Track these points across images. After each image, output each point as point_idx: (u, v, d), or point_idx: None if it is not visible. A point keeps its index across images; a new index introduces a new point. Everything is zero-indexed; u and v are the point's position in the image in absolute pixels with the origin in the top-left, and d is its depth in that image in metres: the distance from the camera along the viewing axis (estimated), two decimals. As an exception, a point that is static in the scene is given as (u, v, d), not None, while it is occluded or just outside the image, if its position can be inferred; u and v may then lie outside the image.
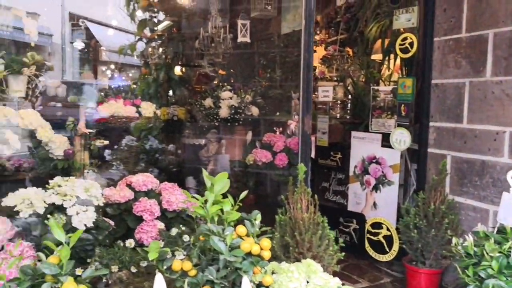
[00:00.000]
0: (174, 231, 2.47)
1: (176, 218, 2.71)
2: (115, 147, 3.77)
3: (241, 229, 1.66)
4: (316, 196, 2.33)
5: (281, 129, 4.55)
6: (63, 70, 12.22)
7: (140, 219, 2.57)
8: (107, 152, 3.74)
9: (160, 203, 2.68)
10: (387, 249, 3.23)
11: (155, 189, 2.81)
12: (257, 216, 1.83)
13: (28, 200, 2.06)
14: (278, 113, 4.92)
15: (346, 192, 3.72)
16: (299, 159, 2.73)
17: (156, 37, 5.06)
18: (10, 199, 2.10)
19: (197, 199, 1.70)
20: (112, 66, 14.20)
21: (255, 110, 5.26)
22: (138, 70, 14.97)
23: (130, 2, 4.75)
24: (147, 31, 4.92)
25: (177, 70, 6.94)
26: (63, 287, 1.27)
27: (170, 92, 6.12)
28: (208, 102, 5.33)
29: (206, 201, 1.73)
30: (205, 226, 1.63)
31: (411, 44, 3.06)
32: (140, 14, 5.76)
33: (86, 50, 12.62)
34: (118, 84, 13.96)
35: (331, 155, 3.87)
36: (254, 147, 4.61)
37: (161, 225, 2.51)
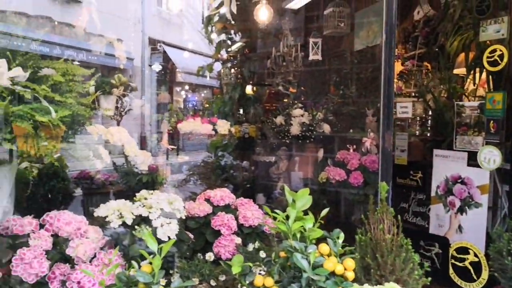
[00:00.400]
0: (251, 247, 2.49)
1: (251, 233, 2.73)
2: (192, 162, 3.92)
3: (324, 248, 1.63)
4: (398, 216, 2.22)
5: (354, 146, 4.44)
6: (142, 91, 13.04)
7: (218, 233, 2.62)
8: (184, 167, 3.89)
9: (236, 218, 2.72)
10: (475, 277, 2.97)
11: (232, 204, 2.86)
12: (340, 235, 1.79)
13: (118, 211, 2.20)
14: (351, 130, 4.82)
15: (427, 213, 3.51)
16: (379, 178, 2.64)
17: (230, 57, 5.24)
18: (102, 210, 2.25)
19: (278, 214, 1.70)
20: (186, 87, 14.93)
21: (326, 127, 5.21)
22: (210, 90, 15.58)
23: (208, 25, 4.98)
24: (223, 52, 5.12)
25: (249, 89, 7.12)
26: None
27: (241, 110, 6.29)
28: (280, 119, 5.38)
29: (287, 217, 1.72)
30: (287, 243, 1.62)
31: (501, 56, 2.86)
32: (214, 37, 6.03)
33: (163, 72, 13.38)
34: (192, 103, 14.61)
35: (411, 174, 3.69)
36: (326, 164, 4.54)
37: (238, 240, 2.54)
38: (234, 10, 3.14)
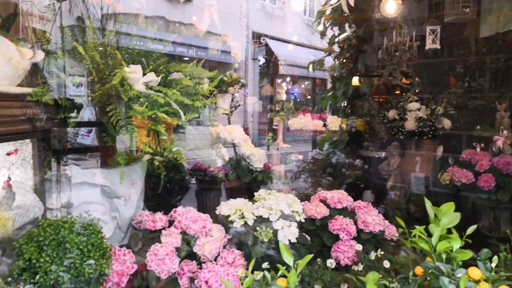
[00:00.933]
0: (372, 255, 2.35)
1: (371, 240, 2.58)
2: (292, 153, 3.86)
3: (475, 272, 1.44)
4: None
5: (482, 145, 3.98)
6: (246, 85, 13.36)
7: (336, 238, 2.52)
8: (294, 164, 3.85)
9: (355, 223, 2.59)
10: None
11: (349, 207, 2.73)
12: (489, 255, 1.57)
13: (239, 211, 2.22)
14: (478, 127, 4.33)
15: None
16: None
17: (344, 49, 5.05)
18: (224, 208, 2.30)
19: (423, 235, 1.54)
20: (288, 79, 14.95)
21: (447, 123, 4.76)
22: (312, 81, 15.40)
23: (320, 18, 4.85)
24: (334, 46, 4.96)
25: (355, 81, 6.82)
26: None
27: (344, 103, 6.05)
28: (392, 114, 5.06)
29: (427, 233, 1.56)
30: (430, 264, 1.46)
31: None
32: (320, 28, 5.86)
33: (265, 65, 13.55)
34: (293, 95, 14.61)
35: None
36: (446, 164, 4.15)
37: (359, 246, 2.42)
38: (352, 2, 2.97)
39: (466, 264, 1.54)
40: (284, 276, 1.50)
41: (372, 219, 2.55)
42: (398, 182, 5.22)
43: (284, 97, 14.17)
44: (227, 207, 2.30)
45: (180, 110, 2.14)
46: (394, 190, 4.91)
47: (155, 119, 2.04)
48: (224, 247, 2.20)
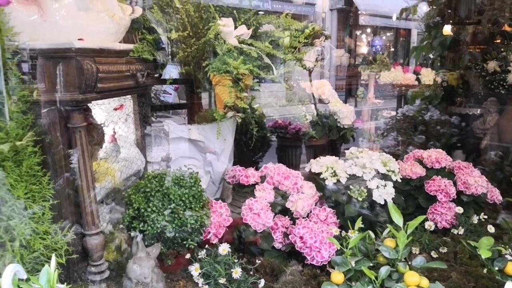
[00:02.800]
0: (475, 219, 2.20)
1: (471, 203, 2.41)
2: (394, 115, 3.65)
3: None
4: None
5: None
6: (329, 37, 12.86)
7: (432, 199, 2.39)
8: (383, 121, 3.67)
9: (454, 184, 2.43)
10: None
11: (447, 168, 2.56)
12: None
13: (331, 169, 2.16)
14: None
15: None
16: None
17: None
18: (315, 166, 2.26)
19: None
20: (368, 30, 14.13)
21: (559, 77, 4.20)
22: (394, 32, 14.39)
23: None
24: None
25: (447, 29, 6.20)
26: (407, 276, 1.24)
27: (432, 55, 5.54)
28: (493, 65, 4.57)
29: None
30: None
31: None
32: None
33: (344, 15, 12.87)
34: (375, 47, 13.83)
35: None
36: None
37: (459, 208, 2.27)
38: None
39: None
40: (391, 236, 1.44)
41: (474, 180, 2.37)
42: (495, 142, 4.79)
43: (364, 49, 13.48)
44: (317, 164, 2.26)
45: (272, 65, 2.08)
46: (491, 150, 4.52)
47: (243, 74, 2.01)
48: (316, 204, 2.19)
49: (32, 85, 1.41)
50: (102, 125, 1.81)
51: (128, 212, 1.74)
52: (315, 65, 3.75)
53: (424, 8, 5.10)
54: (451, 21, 5.90)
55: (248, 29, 2.16)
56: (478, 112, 5.10)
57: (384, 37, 15.21)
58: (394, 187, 2.44)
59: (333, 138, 3.09)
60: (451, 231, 2.20)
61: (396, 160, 2.70)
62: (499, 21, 5.18)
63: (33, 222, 1.13)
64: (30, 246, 1.10)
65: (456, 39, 4.55)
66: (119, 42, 1.86)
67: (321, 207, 2.12)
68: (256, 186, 2.08)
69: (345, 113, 2.91)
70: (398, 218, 1.32)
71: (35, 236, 1.12)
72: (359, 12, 12.48)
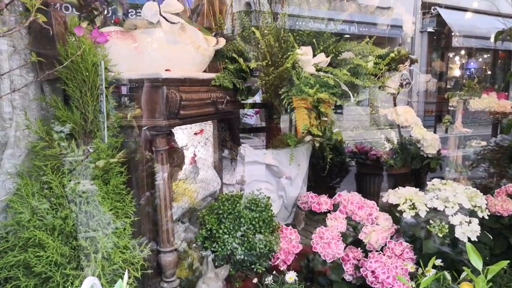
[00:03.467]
0: None
1: None
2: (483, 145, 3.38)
3: None
4: None
5: None
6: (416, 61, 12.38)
7: (526, 241, 2.16)
8: (473, 151, 3.40)
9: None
10: None
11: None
12: None
13: (410, 201, 2.06)
14: None
15: None
16: None
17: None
18: (392, 197, 2.17)
19: None
20: (462, 52, 13.30)
21: None
22: (492, 54, 13.38)
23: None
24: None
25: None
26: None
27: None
28: None
29: None
30: None
31: None
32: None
33: (436, 37, 12.29)
34: (470, 71, 12.96)
35: None
36: None
37: (559, 255, 2.01)
38: None
39: None
40: (469, 280, 1.33)
41: None
42: None
43: (457, 73, 12.70)
44: (395, 195, 2.17)
45: (349, 91, 2.07)
46: None
47: (320, 100, 2.02)
48: (391, 237, 2.09)
49: (124, 111, 1.56)
50: (183, 148, 1.93)
51: (201, 232, 1.82)
52: (399, 91, 3.63)
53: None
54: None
55: (327, 56, 2.18)
56: None
57: (480, 60, 14.19)
58: (481, 224, 2.25)
59: (415, 167, 2.94)
60: (549, 279, 1.95)
61: (487, 194, 2.49)
62: None
63: (115, 236, 1.24)
64: (111, 258, 1.21)
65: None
66: (203, 72, 1.99)
67: (397, 241, 2.03)
68: (328, 214, 2.06)
69: (429, 141, 2.76)
70: (477, 261, 1.22)
71: (116, 250, 1.23)
72: (452, 33, 11.83)
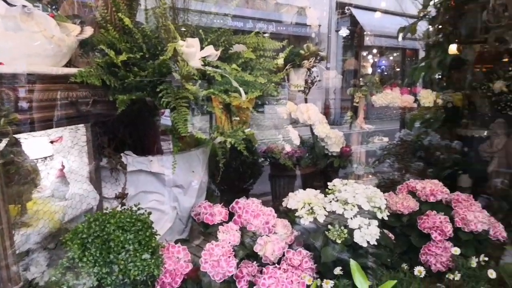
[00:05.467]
0: (474, 261, 1.91)
1: (471, 241, 2.12)
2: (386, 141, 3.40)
3: None
4: None
5: None
6: (328, 58, 12.76)
7: (426, 237, 2.11)
8: (378, 146, 3.41)
9: (451, 219, 2.15)
10: None
11: (444, 200, 2.28)
12: None
13: (308, 205, 1.91)
14: None
15: None
16: None
17: (437, 13, 4.36)
18: (292, 201, 2.01)
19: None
20: (374, 51, 13.96)
21: None
22: (401, 52, 14.21)
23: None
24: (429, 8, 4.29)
25: (453, 49, 5.97)
26: None
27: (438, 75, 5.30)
28: (499, 85, 4.30)
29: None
30: None
31: None
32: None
33: (349, 36, 12.75)
34: (380, 68, 13.64)
35: None
36: None
37: (456, 250, 1.98)
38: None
39: None
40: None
41: (474, 215, 2.09)
42: (503, 167, 4.49)
43: (369, 70, 13.30)
44: (294, 199, 2.01)
45: (241, 89, 1.86)
46: (498, 176, 4.22)
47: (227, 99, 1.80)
48: (291, 246, 1.93)
49: None
50: (39, 160, 1.59)
51: (61, 262, 1.50)
52: (307, 87, 3.53)
53: (424, 27, 4.90)
54: (456, 40, 5.68)
55: (217, 50, 1.95)
56: (485, 134, 4.82)
57: (391, 58, 15.00)
58: (383, 223, 2.18)
59: (320, 167, 2.84)
60: (447, 275, 1.91)
61: (394, 188, 2.44)
62: (505, 39, 4.93)
63: None
64: None
65: (458, 58, 4.31)
66: (66, 66, 1.67)
67: (296, 249, 1.87)
68: (220, 226, 1.84)
69: (333, 139, 2.66)
70: (362, 282, 1.06)
71: None
72: (365, 33, 12.35)
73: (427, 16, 4.04)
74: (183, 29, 2.04)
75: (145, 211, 1.70)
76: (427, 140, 3.35)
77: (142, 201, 2.03)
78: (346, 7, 12.60)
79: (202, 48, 1.93)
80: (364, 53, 14.25)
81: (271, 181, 3.49)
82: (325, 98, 11.22)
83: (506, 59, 5.18)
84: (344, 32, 12.24)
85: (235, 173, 3.24)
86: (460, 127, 4.97)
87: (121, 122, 2.14)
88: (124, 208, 1.77)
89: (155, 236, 1.67)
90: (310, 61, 3.15)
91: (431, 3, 5.20)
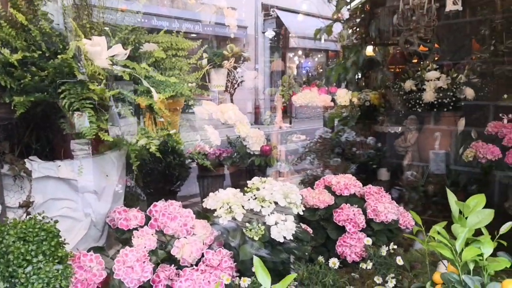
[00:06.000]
0: (384, 250, 2.03)
1: (382, 231, 2.26)
2: (308, 139, 3.52)
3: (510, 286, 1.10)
4: None
5: (510, 116, 3.56)
6: (256, 60, 12.95)
7: (342, 230, 2.21)
8: (300, 144, 3.52)
9: (364, 211, 2.27)
10: None
11: (358, 193, 2.40)
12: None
13: (227, 204, 1.91)
14: (505, 96, 3.88)
15: None
16: None
17: (354, 16, 4.60)
18: (211, 201, 2.00)
19: (444, 238, 1.20)
20: (300, 52, 14.40)
21: (469, 92, 4.32)
22: (325, 54, 14.82)
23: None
24: (343, 11, 4.51)
25: (369, 50, 6.33)
26: None
27: (358, 75, 5.61)
28: (409, 84, 4.64)
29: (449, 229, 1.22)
30: (453, 276, 1.14)
31: None
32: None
33: (275, 38, 13.04)
34: (305, 69, 14.10)
35: None
36: (469, 139, 3.75)
37: (368, 240, 2.09)
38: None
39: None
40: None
41: (384, 206, 2.22)
42: (416, 160, 4.84)
43: (296, 71, 13.70)
44: (214, 199, 2.00)
45: (152, 89, 1.82)
46: (411, 169, 4.55)
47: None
48: (211, 246, 1.91)
49: None
50: None
51: (-50, 281, 1.36)
52: (229, 87, 3.55)
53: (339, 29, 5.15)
54: (372, 42, 6.04)
55: (126, 48, 1.88)
56: (399, 130, 5.17)
57: (316, 59, 15.58)
58: (302, 218, 2.24)
59: (242, 166, 2.86)
60: (360, 265, 2.01)
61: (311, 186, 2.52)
62: (414, 41, 5.32)
63: None
64: None
65: (371, 59, 4.58)
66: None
67: (217, 249, 1.86)
68: (134, 231, 1.77)
69: (254, 139, 2.69)
70: (265, 278, 1.08)
71: None
72: (290, 34, 12.70)
73: (341, 20, 4.25)
74: (88, 26, 1.94)
75: (51, 219, 1.59)
76: (344, 137, 3.51)
77: (51, 209, 1.91)
78: (272, 9, 12.86)
79: (110, 47, 1.86)
80: (291, 55, 14.66)
81: (198, 182, 3.46)
82: (255, 98, 11.38)
83: (415, 60, 5.60)
84: (270, 33, 12.49)
85: (161, 175, 3.17)
86: (377, 124, 5.29)
87: (26, 125, 2.00)
88: (30, 218, 1.65)
89: (63, 245, 1.57)
90: (231, 62, 3.16)
91: (348, 6, 5.50)
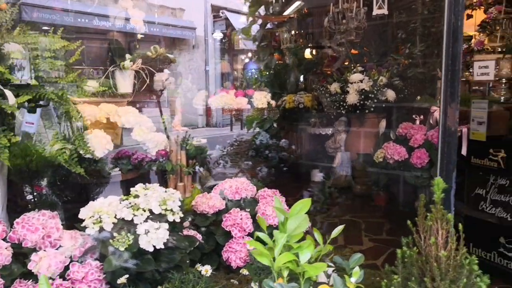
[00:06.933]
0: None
1: (270, 235, 2.24)
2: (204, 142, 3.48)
3: (323, 292, 1.09)
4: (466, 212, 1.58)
5: (422, 117, 3.67)
6: (206, 62, 12.84)
7: (230, 235, 2.17)
8: (218, 147, 3.47)
9: (255, 216, 2.25)
10: None
11: (252, 197, 2.38)
12: (359, 262, 1.23)
13: (97, 214, 1.82)
14: (419, 97, 4.01)
15: (512, 203, 2.74)
16: (438, 167, 1.98)
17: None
18: (85, 211, 1.90)
19: (265, 245, 1.18)
20: (249, 54, 14.39)
21: (391, 94, 4.44)
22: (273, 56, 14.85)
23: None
24: (261, 13, 4.50)
25: (307, 53, 6.40)
26: None
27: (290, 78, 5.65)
28: (335, 86, 4.71)
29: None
30: (269, 284, 1.11)
31: None
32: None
33: (224, 40, 12.98)
34: (250, 72, 14.10)
35: (491, 153, 2.89)
36: (389, 139, 3.84)
37: (249, 245, 2.06)
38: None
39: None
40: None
41: (273, 210, 2.20)
42: (345, 161, 4.92)
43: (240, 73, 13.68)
44: (88, 208, 1.90)
45: (8, 92, 1.70)
46: (322, 170, 4.61)
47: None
48: (82, 257, 1.82)
49: None
50: None
51: None
52: (160, 91, 3.43)
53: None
54: (309, 46, 6.10)
55: (-16, 50, 1.76)
56: (330, 132, 5.25)
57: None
58: (193, 224, 2.19)
59: (144, 171, 2.78)
60: (240, 271, 1.98)
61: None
62: (343, 43, 5.42)
63: None
64: None
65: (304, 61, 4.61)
66: None
67: (85, 261, 1.77)
68: (-16, 247, 1.65)
69: (154, 142, 2.61)
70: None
71: None
72: (238, 36, 12.65)
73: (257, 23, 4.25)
74: None
75: None
76: (259, 140, 3.50)
77: None
78: (221, 11, 12.79)
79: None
80: (243, 56, 14.62)
81: (122, 187, 3.33)
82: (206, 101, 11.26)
83: (347, 63, 5.70)
84: (218, 35, 12.42)
85: (77, 183, 3.02)
86: (309, 126, 5.35)
87: None
88: None
89: None
90: (138, 63, 3.06)
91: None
